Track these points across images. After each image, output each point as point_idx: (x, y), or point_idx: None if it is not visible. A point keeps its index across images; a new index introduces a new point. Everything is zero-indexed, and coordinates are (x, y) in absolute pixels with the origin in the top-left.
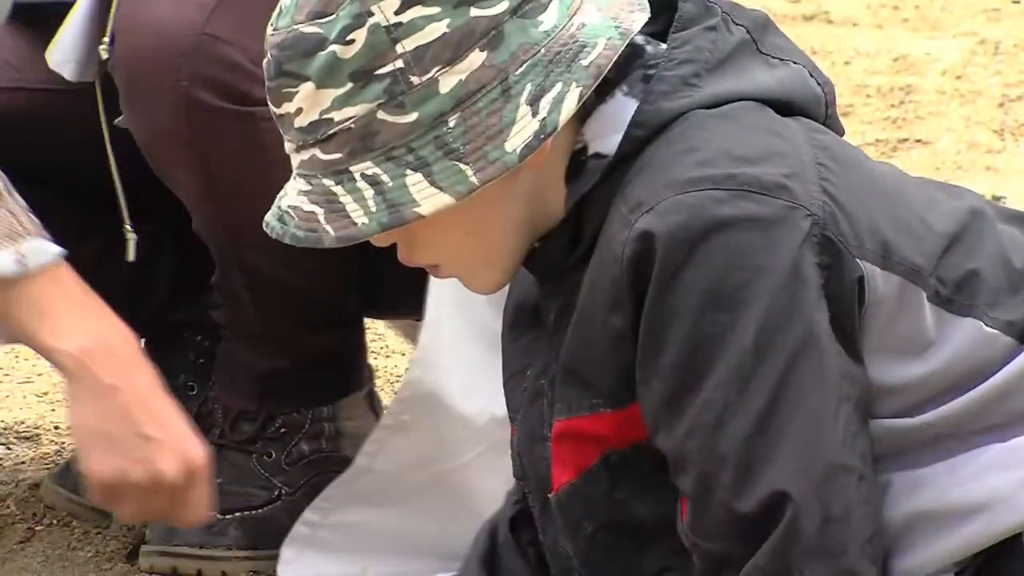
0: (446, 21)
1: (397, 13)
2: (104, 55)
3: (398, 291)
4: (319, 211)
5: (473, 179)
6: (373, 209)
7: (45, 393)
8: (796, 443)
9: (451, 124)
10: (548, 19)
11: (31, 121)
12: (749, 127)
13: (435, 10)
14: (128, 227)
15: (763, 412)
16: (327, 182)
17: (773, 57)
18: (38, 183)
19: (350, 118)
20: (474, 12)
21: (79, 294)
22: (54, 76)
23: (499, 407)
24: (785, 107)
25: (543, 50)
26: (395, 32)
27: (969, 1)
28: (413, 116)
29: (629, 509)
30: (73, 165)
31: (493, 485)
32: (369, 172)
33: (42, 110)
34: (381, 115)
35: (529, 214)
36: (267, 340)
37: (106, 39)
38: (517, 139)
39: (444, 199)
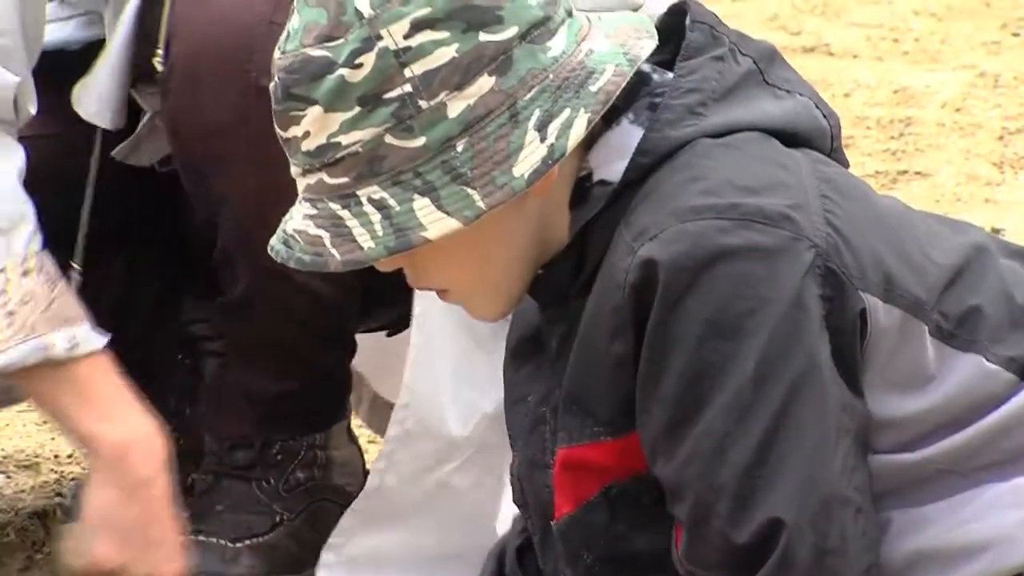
0: (455, 46)
1: (406, 37)
2: (159, 67)
3: (394, 294)
4: (325, 235)
5: (481, 204)
6: (380, 233)
7: (45, 422)
8: (794, 474)
9: (459, 149)
10: (556, 45)
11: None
12: (754, 157)
13: (444, 35)
14: (75, 263)
15: (762, 442)
16: (333, 206)
17: (779, 88)
18: None
19: (357, 142)
20: (483, 37)
21: (120, 385)
22: (51, 120)
23: (489, 403)
24: (790, 138)
25: (552, 76)
26: (404, 56)
27: (969, 34)
28: (421, 140)
29: (628, 542)
30: (52, 201)
31: (489, 483)
32: (376, 196)
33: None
34: (389, 139)
35: (534, 240)
36: (276, 359)
37: (158, 50)
38: (525, 164)
39: (451, 224)
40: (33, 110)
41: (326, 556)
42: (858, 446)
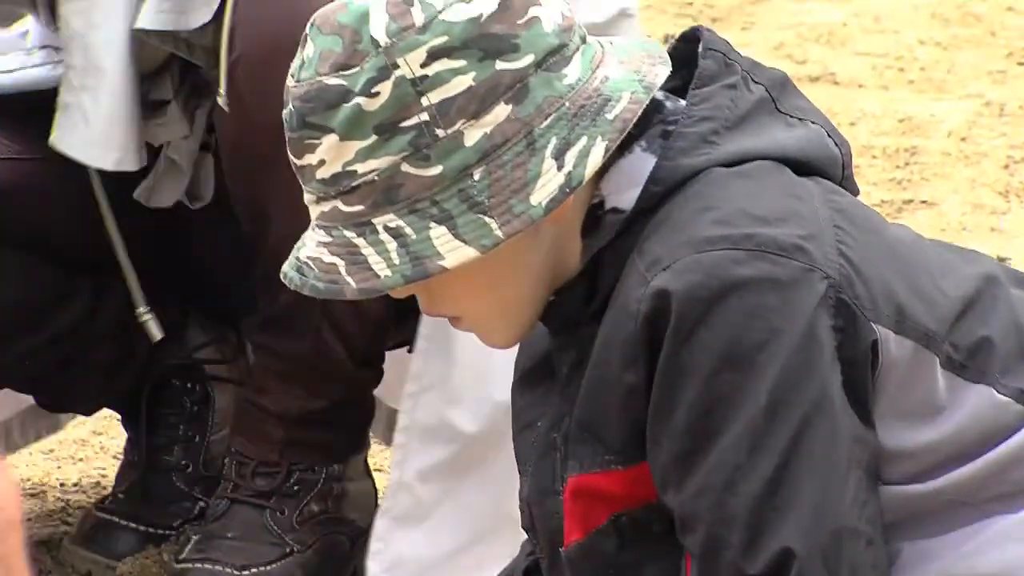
0: (472, 74)
1: (423, 66)
2: (223, 89)
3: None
4: (340, 263)
5: (498, 232)
6: (396, 262)
7: (51, 450)
8: (806, 505)
9: (476, 177)
10: (572, 72)
11: (16, 189)
12: (767, 187)
13: (461, 63)
14: (143, 309)
15: (774, 474)
16: (348, 234)
17: (792, 116)
18: (23, 246)
19: (374, 170)
20: (500, 65)
21: None
22: (40, 146)
23: (498, 391)
24: (803, 167)
25: (568, 103)
26: (420, 85)
27: (974, 63)
28: (438, 169)
29: (637, 571)
30: (58, 231)
31: (504, 464)
32: (392, 225)
33: (26, 179)
34: (405, 168)
35: (547, 267)
36: (311, 376)
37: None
38: (542, 192)
39: (469, 252)
40: None
41: (371, 566)
42: (869, 477)
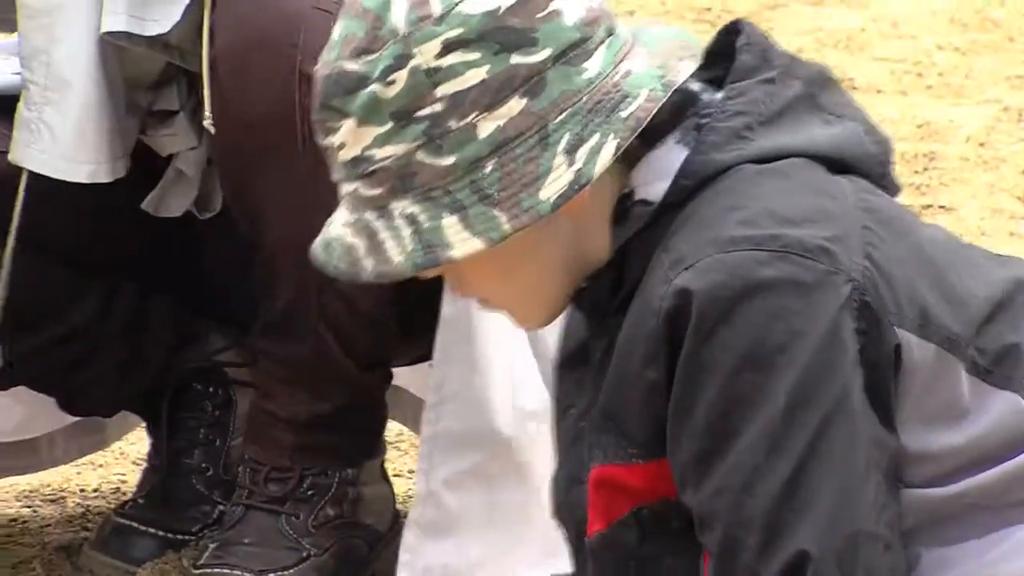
0: (486, 67)
1: (437, 57)
2: (207, 117)
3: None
4: (360, 245)
5: (506, 226)
6: (409, 248)
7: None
8: (823, 508)
9: (487, 170)
10: (593, 67)
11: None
12: (797, 186)
13: (475, 56)
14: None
15: (792, 476)
16: (368, 216)
17: (830, 113)
18: (33, 245)
19: (390, 156)
20: (515, 59)
21: None
22: None
23: (522, 398)
24: (838, 164)
25: (585, 98)
26: (434, 76)
27: (993, 68)
28: (451, 160)
29: (657, 564)
30: (69, 230)
31: (531, 470)
32: (407, 211)
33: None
34: (420, 156)
35: (572, 255)
36: (313, 379)
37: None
38: (552, 188)
39: (476, 244)
40: None
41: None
42: (888, 482)
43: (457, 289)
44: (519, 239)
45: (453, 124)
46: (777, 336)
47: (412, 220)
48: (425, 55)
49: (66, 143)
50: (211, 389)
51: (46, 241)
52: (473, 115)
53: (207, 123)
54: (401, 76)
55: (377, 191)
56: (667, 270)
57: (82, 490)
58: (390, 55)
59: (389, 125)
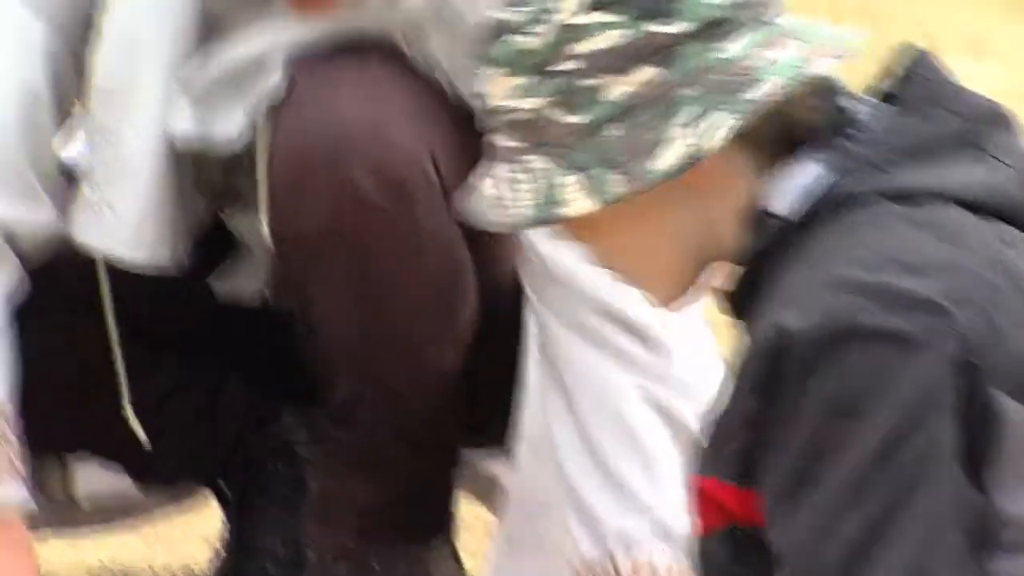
0: (621, 31)
1: (575, 15)
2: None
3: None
4: (492, 195)
5: (617, 189)
6: (530, 202)
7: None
8: (900, 561)
9: (613, 132)
10: (733, 47)
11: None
12: (927, 232)
13: (614, 18)
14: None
15: (872, 526)
16: (503, 167)
17: (990, 155)
18: (128, 327)
19: (527, 109)
20: (653, 27)
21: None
22: None
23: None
24: (986, 209)
25: (715, 76)
26: (572, 32)
27: None
28: (578, 118)
29: None
30: (149, 308)
31: None
32: (535, 166)
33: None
34: (551, 112)
35: (695, 237)
36: (375, 467)
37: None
38: (668, 157)
39: (588, 204)
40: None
41: None
42: (972, 542)
43: (589, 256)
44: (637, 205)
45: (584, 83)
46: (870, 385)
47: (540, 175)
48: (566, 11)
49: (129, 226)
50: (282, 468)
51: (140, 325)
52: (605, 77)
53: (264, 229)
54: (543, 29)
55: (512, 143)
56: (778, 305)
57: (151, 567)
58: (537, 8)
59: (529, 77)
